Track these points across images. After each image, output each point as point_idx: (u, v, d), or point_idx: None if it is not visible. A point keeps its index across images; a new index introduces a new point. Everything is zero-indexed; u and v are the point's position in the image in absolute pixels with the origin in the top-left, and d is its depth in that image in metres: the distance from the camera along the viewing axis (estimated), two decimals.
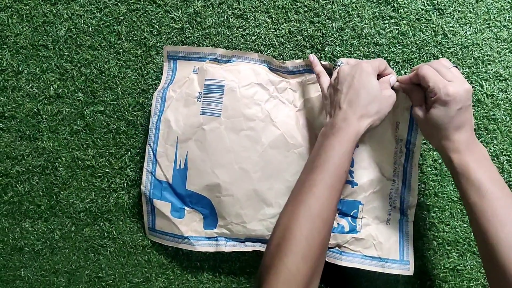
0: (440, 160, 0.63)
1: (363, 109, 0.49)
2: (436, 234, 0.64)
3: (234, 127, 0.59)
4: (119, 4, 0.64)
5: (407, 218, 0.61)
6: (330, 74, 0.58)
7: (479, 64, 0.63)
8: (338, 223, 0.60)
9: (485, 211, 0.45)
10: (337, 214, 0.60)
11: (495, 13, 0.63)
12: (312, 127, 0.61)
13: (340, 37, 0.64)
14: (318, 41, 0.64)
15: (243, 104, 0.59)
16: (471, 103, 0.48)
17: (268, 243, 0.47)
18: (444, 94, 0.47)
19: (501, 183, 0.47)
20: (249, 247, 0.62)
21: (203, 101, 0.60)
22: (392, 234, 0.61)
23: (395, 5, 0.63)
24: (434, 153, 0.64)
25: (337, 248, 0.60)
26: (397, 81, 0.54)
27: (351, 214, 0.60)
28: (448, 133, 0.49)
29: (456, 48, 0.63)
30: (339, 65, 0.55)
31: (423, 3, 0.63)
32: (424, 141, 0.64)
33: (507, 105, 0.63)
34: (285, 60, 0.63)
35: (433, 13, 0.63)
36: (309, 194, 0.46)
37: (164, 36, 0.64)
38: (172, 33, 0.64)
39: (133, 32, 0.65)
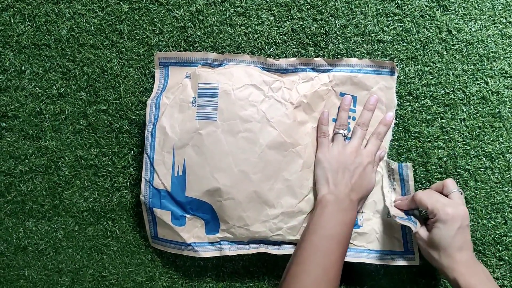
0: (445, 159, 0.63)
1: (363, 196, 0.60)
2: None
3: (231, 129, 0.59)
4: (121, 3, 0.64)
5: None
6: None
7: (484, 61, 0.63)
8: None
9: None
10: None
11: (500, 10, 0.62)
12: (310, 124, 0.62)
13: (343, 35, 0.63)
14: (321, 38, 0.64)
15: (238, 106, 0.59)
16: (468, 224, 0.53)
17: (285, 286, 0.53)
18: (444, 213, 0.52)
19: None
20: (253, 249, 0.62)
21: (198, 106, 0.60)
22: (394, 226, 0.61)
23: (399, 1, 0.63)
24: (439, 151, 0.63)
25: None
26: (395, 205, 0.61)
27: None
28: (450, 252, 0.52)
29: (461, 45, 0.63)
30: (340, 133, 0.61)
31: (427, 0, 0.63)
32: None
33: None
34: (287, 58, 0.63)
35: (438, 10, 0.63)
36: (327, 261, 0.53)
37: (166, 34, 0.64)
38: (174, 32, 0.64)
39: (135, 31, 0.64)
